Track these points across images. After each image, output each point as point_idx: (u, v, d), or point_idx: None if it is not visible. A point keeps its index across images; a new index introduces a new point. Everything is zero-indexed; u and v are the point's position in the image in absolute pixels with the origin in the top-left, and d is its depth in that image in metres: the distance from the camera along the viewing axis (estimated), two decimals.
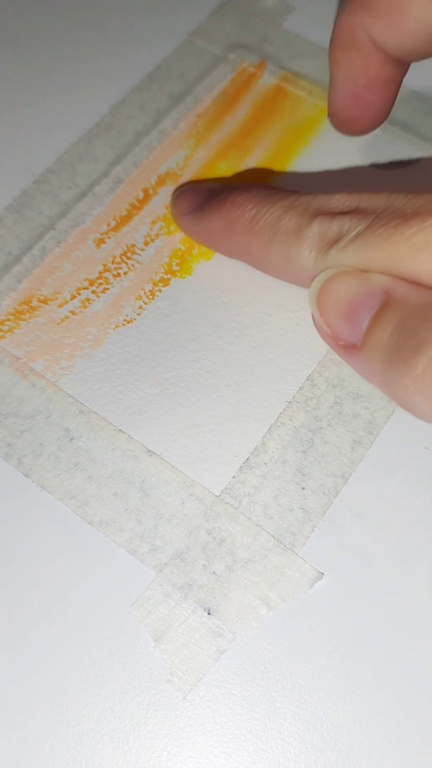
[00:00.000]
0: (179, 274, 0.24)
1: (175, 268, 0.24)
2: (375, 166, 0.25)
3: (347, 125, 0.23)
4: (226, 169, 0.25)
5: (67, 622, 0.19)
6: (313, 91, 0.27)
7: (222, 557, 0.20)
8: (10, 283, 0.23)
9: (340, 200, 0.19)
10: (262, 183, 0.24)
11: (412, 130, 0.26)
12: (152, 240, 0.24)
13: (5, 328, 0.23)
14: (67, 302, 0.23)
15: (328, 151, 0.26)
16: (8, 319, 0.23)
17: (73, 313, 0.23)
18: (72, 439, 0.21)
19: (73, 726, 0.18)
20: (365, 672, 0.18)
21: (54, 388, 0.22)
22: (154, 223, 0.24)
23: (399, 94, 0.22)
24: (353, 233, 0.17)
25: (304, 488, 0.20)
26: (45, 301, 0.23)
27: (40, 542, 0.20)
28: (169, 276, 0.24)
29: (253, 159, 0.26)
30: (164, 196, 0.25)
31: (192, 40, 0.28)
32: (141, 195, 0.25)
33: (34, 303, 0.23)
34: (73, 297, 0.23)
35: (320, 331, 0.18)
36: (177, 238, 0.24)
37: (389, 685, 0.18)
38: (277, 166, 0.25)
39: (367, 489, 0.20)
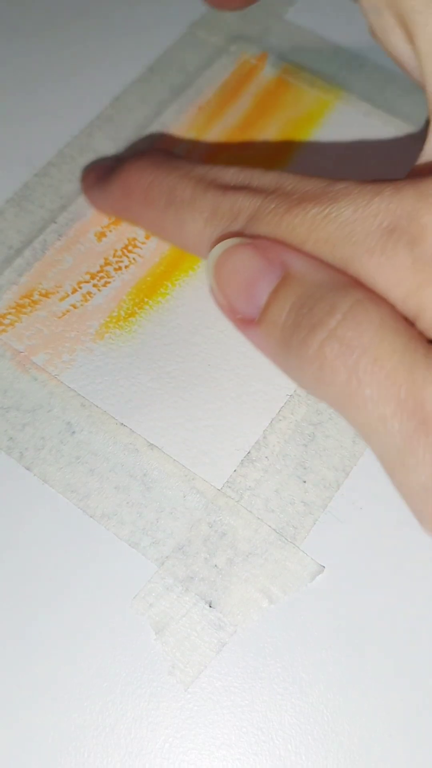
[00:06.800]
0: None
1: None
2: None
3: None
4: (227, 162, 0.25)
5: (69, 615, 0.19)
6: (315, 83, 0.27)
7: (223, 550, 0.20)
8: (11, 277, 0.23)
9: (233, 175, 0.19)
10: (163, 149, 0.24)
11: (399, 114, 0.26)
12: None
13: (6, 321, 0.23)
14: (68, 296, 0.23)
15: (330, 143, 0.26)
16: (9, 313, 0.23)
17: (74, 306, 0.23)
18: (73, 432, 0.21)
19: (74, 718, 0.18)
20: (366, 665, 0.18)
21: (55, 381, 0.22)
22: None
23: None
24: (245, 214, 0.18)
25: (305, 482, 0.20)
26: (46, 295, 0.23)
27: (41, 536, 0.20)
28: (170, 269, 0.23)
29: (255, 151, 0.25)
30: None
31: (193, 32, 0.28)
32: None
33: (36, 296, 0.23)
34: (74, 290, 0.23)
35: (218, 302, 0.18)
36: None
37: (390, 677, 0.18)
38: (279, 159, 0.25)
39: (369, 482, 0.20)
